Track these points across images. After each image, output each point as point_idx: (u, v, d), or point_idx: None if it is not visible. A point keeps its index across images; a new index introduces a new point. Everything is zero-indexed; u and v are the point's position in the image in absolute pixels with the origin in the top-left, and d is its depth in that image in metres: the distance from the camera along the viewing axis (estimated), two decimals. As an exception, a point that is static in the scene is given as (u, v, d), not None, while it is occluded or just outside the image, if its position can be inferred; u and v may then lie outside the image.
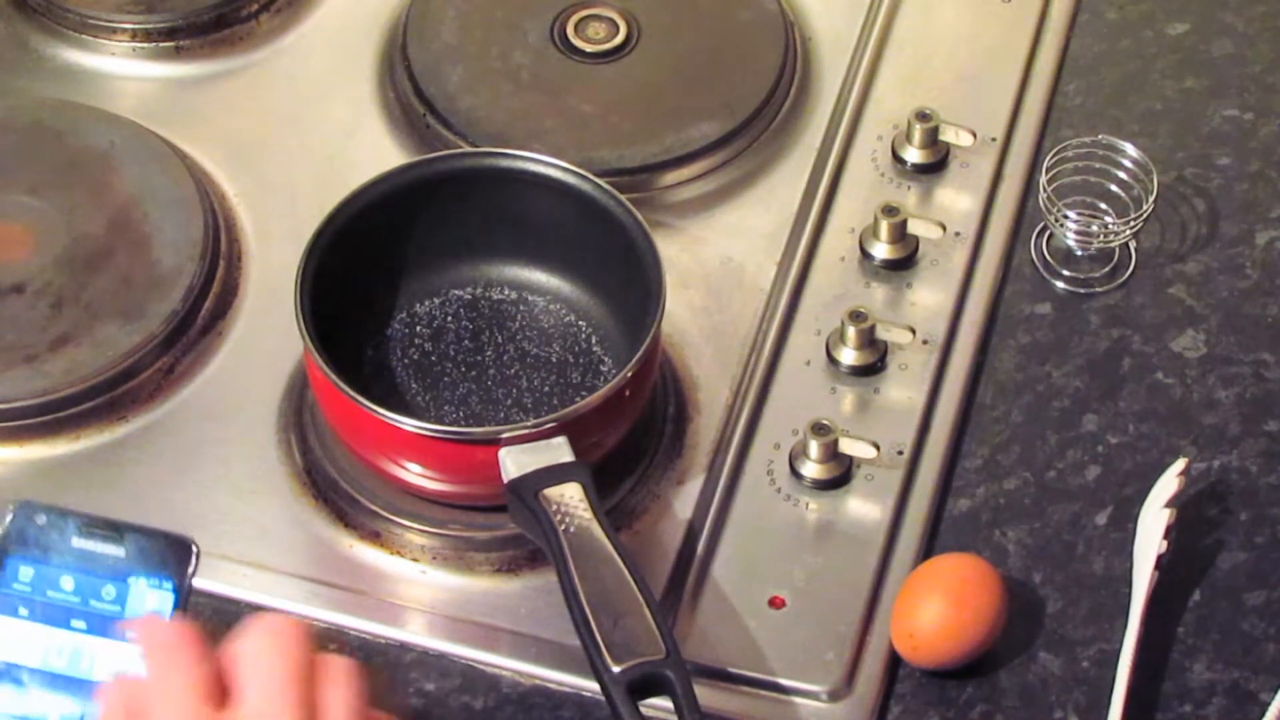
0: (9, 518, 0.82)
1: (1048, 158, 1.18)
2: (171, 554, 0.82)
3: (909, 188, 1.22)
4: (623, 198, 1.10)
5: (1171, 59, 1.29)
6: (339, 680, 0.81)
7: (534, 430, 1.02)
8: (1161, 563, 1.04)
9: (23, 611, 0.81)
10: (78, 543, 0.82)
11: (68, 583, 0.81)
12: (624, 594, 0.96)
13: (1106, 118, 1.26)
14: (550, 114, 1.23)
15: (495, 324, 1.13)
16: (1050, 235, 1.20)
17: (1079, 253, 1.19)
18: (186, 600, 0.82)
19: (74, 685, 0.80)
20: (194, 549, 0.82)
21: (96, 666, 0.80)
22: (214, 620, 1.06)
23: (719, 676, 1.03)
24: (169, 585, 0.82)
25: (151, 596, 0.81)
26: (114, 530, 0.82)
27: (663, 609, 1.02)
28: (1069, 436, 1.12)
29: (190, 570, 0.82)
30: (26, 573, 0.81)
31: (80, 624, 0.81)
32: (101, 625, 0.81)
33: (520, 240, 1.14)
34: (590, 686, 1.01)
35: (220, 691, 0.79)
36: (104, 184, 1.19)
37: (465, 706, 1.03)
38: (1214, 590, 1.07)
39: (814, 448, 1.09)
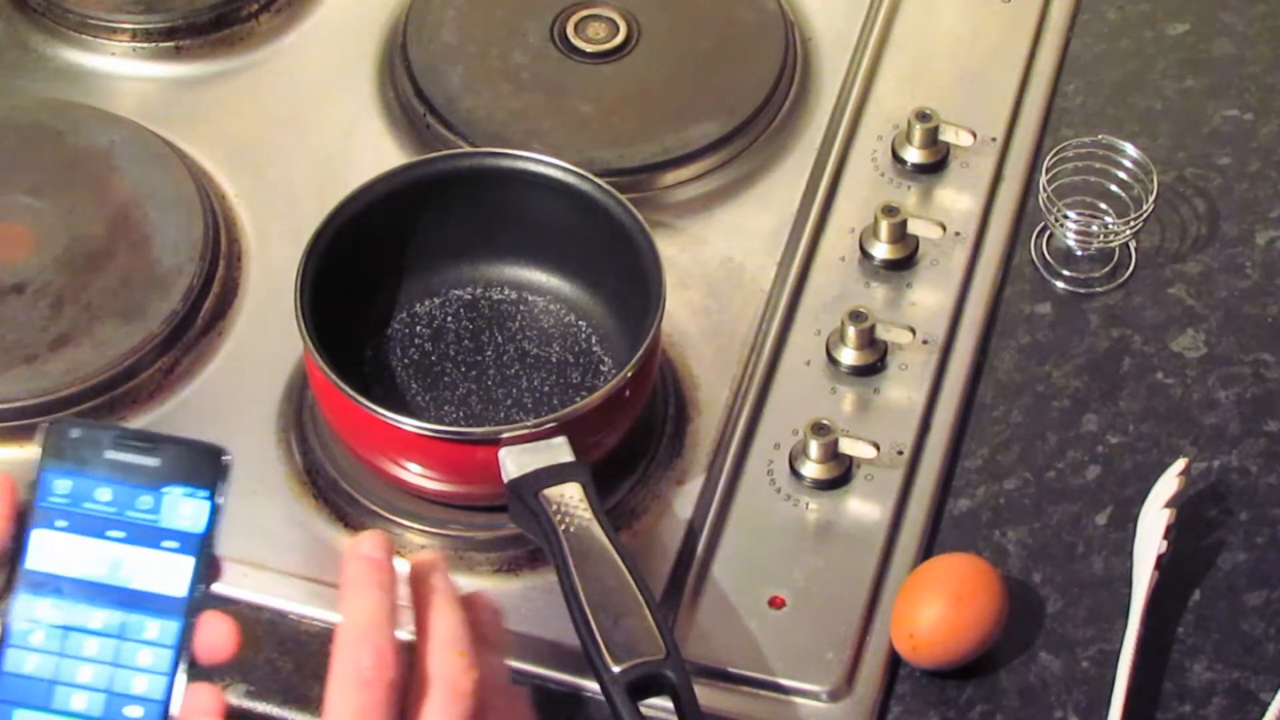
0: (43, 435, 0.83)
1: (1048, 158, 1.18)
2: (204, 462, 0.83)
3: (909, 188, 1.22)
4: (623, 198, 1.10)
5: (1171, 59, 1.29)
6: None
7: (534, 430, 1.02)
8: (1161, 563, 1.04)
9: (61, 524, 0.82)
10: (112, 455, 0.83)
11: (104, 494, 0.82)
12: (624, 594, 0.96)
13: (1106, 118, 1.26)
14: (550, 114, 1.23)
15: (495, 324, 1.13)
16: (1050, 235, 1.20)
17: (1079, 253, 1.19)
18: (222, 508, 0.83)
19: (113, 594, 0.81)
20: (225, 457, 0.83)
21: (135, 575, 0.82)
22: (214, 620, 1.06)
23: (719, 676, 1.03)
24: (204, 493, 0.82)
25: (187, 505, 0.82)
26: (148, 442, 0.83)
27: (663, 609, 1.02)
28: (1069, 436, 1.12)
29: (224, 478, 0.83)
30: (63, 486, 0.82)
31: (118, 534, 0.82)
32: (139, 535, 0.82)
33: (520, 240, 1.14)
34: (590, 686, 1.01)
35: None
36: (104, 184, 1.19)
37: (465, 706, 1.03)
38: (1214, 590, 1.07)
39: (814, 448, 1.09)
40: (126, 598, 0.81)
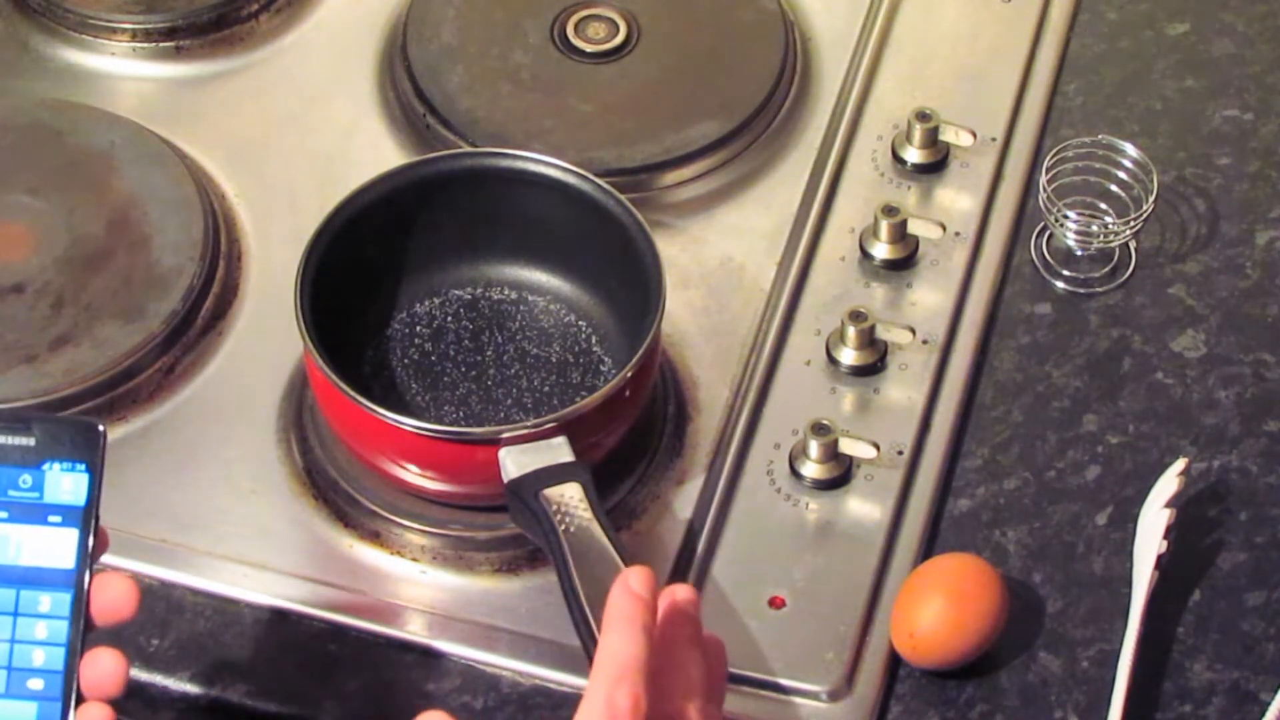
0: None
1: (1048, 158, 1.18)
2: (81, 438, 0.85)
3: (909, 188, 1.22)
4: (623, 198, 1.10)
5: (1171, 59, 1.29)
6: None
7: (534, 430, 1.02)
8: (1161, 563, 1.04)
9: None
10: None
11: None
12: (624, 594, 0.96)
13: (1106, 118, 1.26)
14: (550, 114, 1.23)
15: (495, 324, 1.13)
16: (1050, 235, 1.20)
17: (1079, 253, 1.19)
18: (101, 480, 0.85)
19: (3, 572, 0.84)
20: (100, 429, 0.85)
21: (23, 552, 0.84)
22: (214, 620, 1.06)
23: (719, 676, 1.03)
24: (82, 467, 0.85)
25: (67, 480, 0.85)
26: (22, 422, 0.85)
27: (663, 609, 1.02)
28: (1069, 436, 1.12)
29: (100, 451, 0.85)
30: None
31: (2, 514, 0.84)
32: (23, 513, 0.84)
33: (520, 240, 1.14)
34: (590, 686, 1.01)
35: None
36: (104, 184, 1.19)
37: (465, 706, 1.03)
38: (1214, 590, 1.07)
39: (814, 448, 1.09)
40: (17, 575, 0.84)
